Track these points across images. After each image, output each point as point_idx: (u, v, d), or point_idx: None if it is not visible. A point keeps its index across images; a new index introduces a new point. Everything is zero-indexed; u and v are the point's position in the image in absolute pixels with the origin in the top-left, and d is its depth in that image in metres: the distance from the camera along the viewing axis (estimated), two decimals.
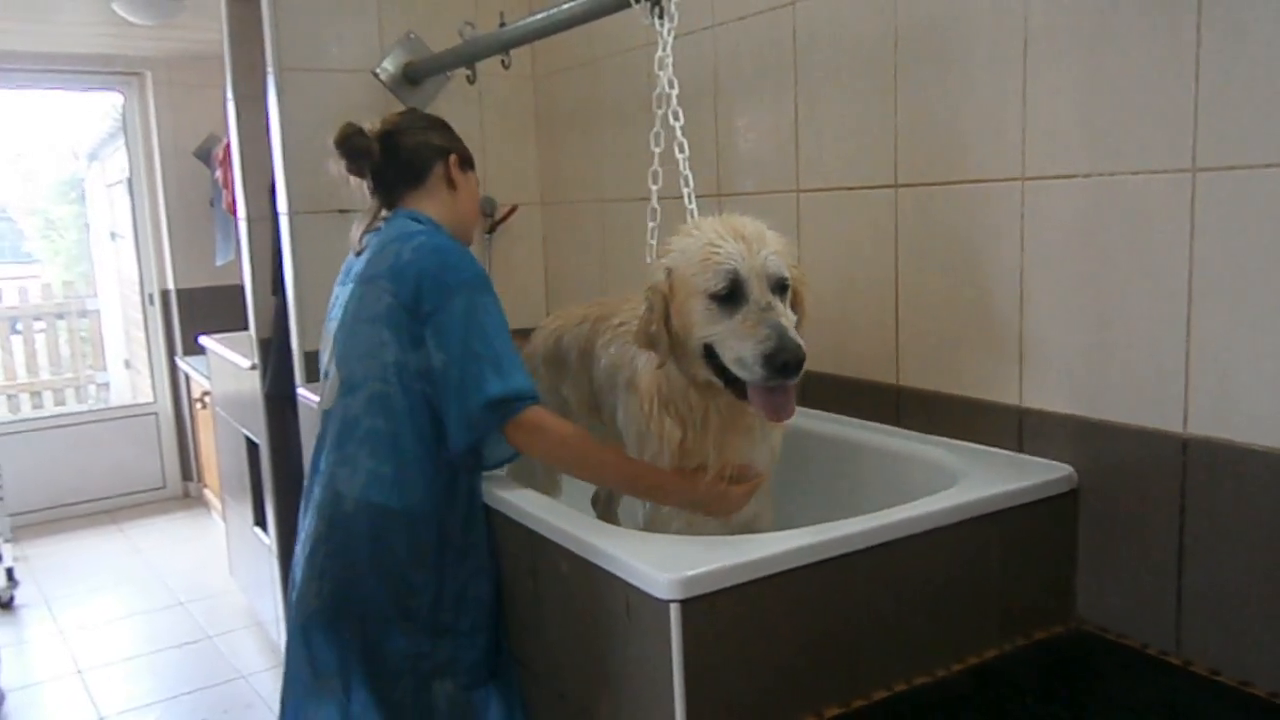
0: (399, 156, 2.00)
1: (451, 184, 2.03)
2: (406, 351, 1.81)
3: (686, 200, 1.94)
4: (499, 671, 1.93)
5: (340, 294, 2.01)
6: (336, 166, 2.01)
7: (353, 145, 1.98)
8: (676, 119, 1.91)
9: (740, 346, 1.54)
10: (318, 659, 1.88)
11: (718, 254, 1.58)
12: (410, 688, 1.86)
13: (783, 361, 1.50)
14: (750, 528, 1.84)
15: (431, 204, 2.01)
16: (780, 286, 1.59)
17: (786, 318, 1.56)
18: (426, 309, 1.79)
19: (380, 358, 1.83)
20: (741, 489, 1.75)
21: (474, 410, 1.76)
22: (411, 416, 1.83)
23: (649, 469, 1.79)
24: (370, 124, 2.02)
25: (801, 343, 1.52)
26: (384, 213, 2.03)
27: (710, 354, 1.61)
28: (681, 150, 1.91)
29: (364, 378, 1.85)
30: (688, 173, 1.92)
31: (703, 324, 1.59)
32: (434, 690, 1.88)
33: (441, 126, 2.09)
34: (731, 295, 1.56)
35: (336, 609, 1.86)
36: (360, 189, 2.05)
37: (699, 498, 1.74)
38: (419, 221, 1.96)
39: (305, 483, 2.03)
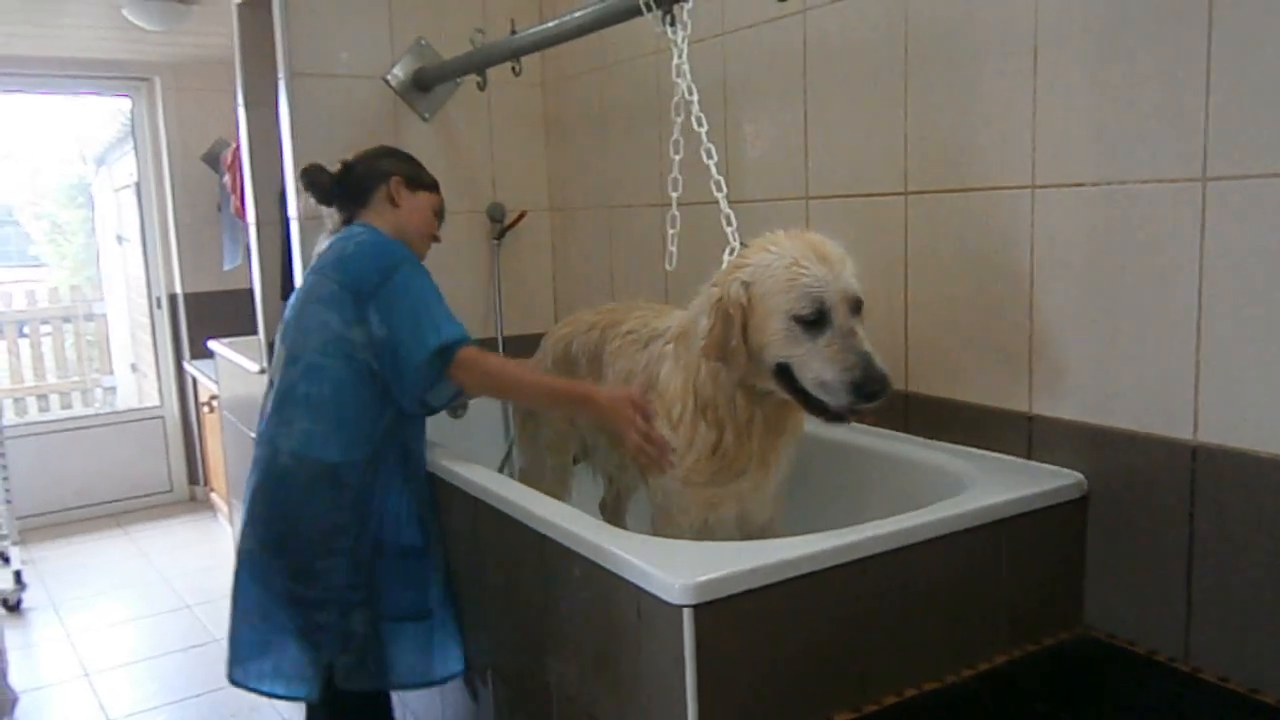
0: (350, 181, 2.30)
1: (394, 201, 2.28)
2: (349, 328, 2.08)
3: (723, 205, 1.94)
4: (423, 616, 2.18)
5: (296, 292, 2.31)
6: (306, 199, 2.36)
7: (310, 179, 2.31)
8: (701, 125, 1.92)
9: (825, 371, 1.57)
10: (247, 592, 2.20)
11: (805, 276, 1.59)
12: (333, 615, 2.14)
13: (871, 391, 1.56)
14: (765, 532, 1.85)
15: (376, 218, 2.27)
16: (859, 308, 1.62)
17: (869, 343, 1.58)
18: (368, 289, 2.06)
19: (320, 334, 2.11)
20: (654, 439, 1.78)
21: (421, 361, 2.01)
22: (351, 384, 2.10)
23: (569, 384, 2.10)
24: (337, 162, 2.34)
25: (887, 371, 1.55)
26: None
27: (782, 372, 1.63)
28: (710, 156, 1.92)
29: (303, 350, 2.14)
30: (719, 177, 1.93)
31: (782, 344, 1.61)
32: (353, 618, 2.15)
33: (393, 155, 2.36)
34: (817, 320, 1.59)
35: (268, 548, 2.16)
36: (332, 215, 2.35)
37: (610, 415, 1.85)
38: (365, 228, 2.23)
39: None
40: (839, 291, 1.60)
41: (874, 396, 1.56)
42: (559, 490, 2.31)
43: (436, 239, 2.35)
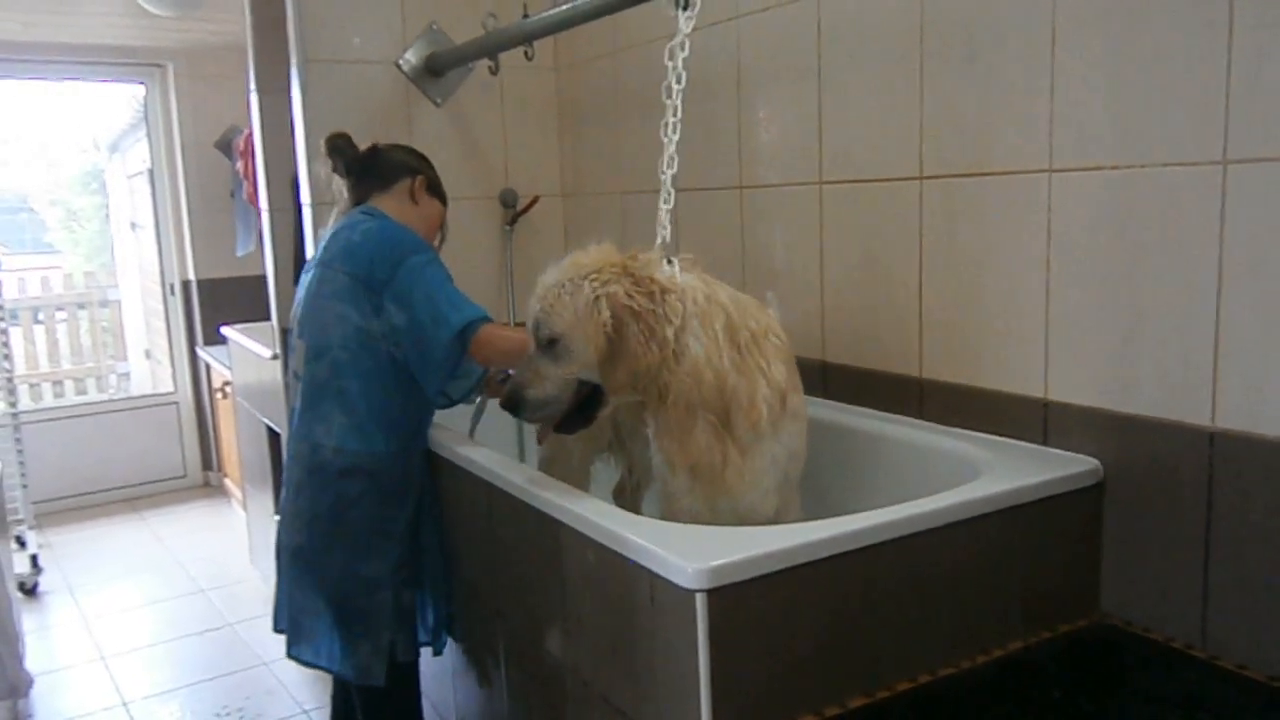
0: (376, 164, 2.32)
1: (414, 198, 2.32)
2: (369, 319, 2.13)
3: (661, 201, 1.89)
4: (425, 580, 2.35)
5: (304, 280, 2.33)
6: (324, 167, 2.34)
7: (334, 145, 2.31)
8: (675, 115, 1.87)
9: None
10: (303, 587, 2.24)
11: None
12: (388, 595, 2.22)
13: (507, 406, 1.82)
14: (775, 522, 1.84)
15: (392, 204, 2.29)
16: (543, 341, 1.78)
17: (533, 372, 1.79)
18: (381, 278, 2.10)
19: (340, 328, 2.15)
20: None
21: (446, 341, 2.06)
22: (377, 375, 2.15)
23: None
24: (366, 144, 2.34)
25: (524, 397, 1.79)
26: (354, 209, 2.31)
27: None
28: (666, 133, 1.86)
29: (327, 345, 2.17)
30: (669, 173, 1.87)
31: None
32: (403, 595, 2.26)
33: (422, 159, 2.39)
34: None
35: (318, 543, 2.21)
36: (340, 190, 2.34)
37: None
38: (370, 215, 2.25)
39: (286, 440, 2.34)
40: (528, 324, 1.83)
41: (511, 412, 1.83)
42: (582, 481, 2.30)
43: None
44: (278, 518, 2.35)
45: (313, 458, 2.20)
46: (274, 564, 2.36)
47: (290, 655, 2.29)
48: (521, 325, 2.07)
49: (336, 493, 2.18)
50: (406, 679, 2.38)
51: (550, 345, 1.77)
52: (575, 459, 2.35)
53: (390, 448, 2.19)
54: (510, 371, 2.42)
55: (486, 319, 2.11)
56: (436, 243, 2.39)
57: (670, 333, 1.69)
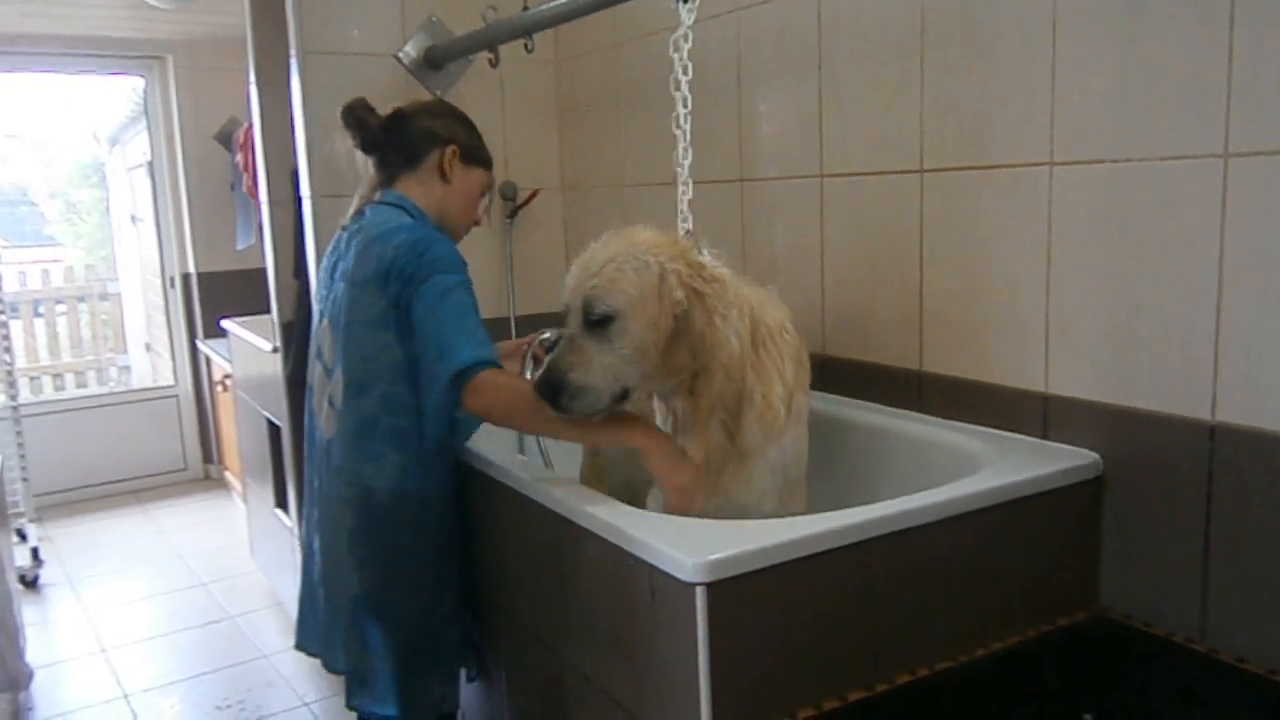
0: (402, 136, 2.05)
1: (445, 175, 2.06)
2: (411, 346, 1.92)
3: (680, 193, 1.90)
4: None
5: (330, 290, 2.08)
6: (344, 140, 2.08)
7: (353, 116, 2.04)
8: (685, 106, 1.88)
9: None
10: (365, 632, 2.04)
11: (567, 280, 1.71)
12: (456, 626, 2.12)
13: (542, 393, 1.67)
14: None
15: (420, 190, 2.06)
16: (594, 320, 1.65)
17: (577, 354, 1.65)
18: (405, 300, 1.89)
19: (384, 359, 1.94)
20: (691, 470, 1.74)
21: (444, 380, 1.83)
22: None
23: (613, 427, 1.79)
24: (390, 105, 2.09)
25: (567, 381, 1.64)
26: (379, 194, 2.08)
27: None
28: (679, 124, 1.86)
29: (373, 379, 1.96)
30: (685, 163, 1.87)
31: None
32: (466, 615, 2.16)
33: (454, 116, 2.12)
34: (564, 322, 1.69)
35: (385, 589, 2.03)
36: (365, 166, 2.11)
37: (656, 470, 1.76)
38: (404, 209, 2.01)
39: (307, 473, 2.16)
40: (573, 303, 1.68)
41: (546, 399, 1.66)
42: (596, 478, 2.29)
43: (477, 223, 2.16)
44: (315, 552, 2.14)
45: (365, 502, 2.00)
46: (325, 604, 2.12)
47: (350, 706, 2.10)
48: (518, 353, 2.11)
49: (397, 537, 2.02)
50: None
51: (602, 324, 1.64)
52: (586, 457, 2.32)
53: (448, 477, 2.07)
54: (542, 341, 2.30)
55: (493, 364, 1.84)
56: (482, 210, 2.17)
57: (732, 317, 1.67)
